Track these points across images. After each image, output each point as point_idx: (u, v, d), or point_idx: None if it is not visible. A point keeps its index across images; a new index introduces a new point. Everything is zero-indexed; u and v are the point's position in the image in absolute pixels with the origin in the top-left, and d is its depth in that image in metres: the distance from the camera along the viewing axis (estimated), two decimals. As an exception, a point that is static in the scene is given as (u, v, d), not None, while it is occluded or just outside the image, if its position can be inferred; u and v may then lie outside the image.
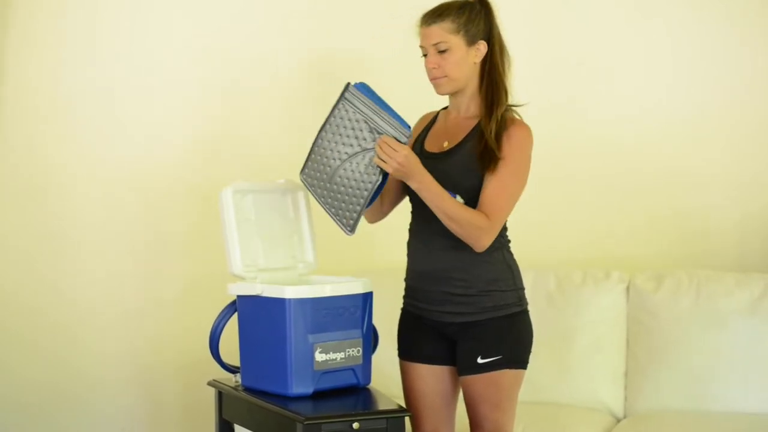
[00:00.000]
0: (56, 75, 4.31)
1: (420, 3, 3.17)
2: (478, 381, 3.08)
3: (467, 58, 3.07)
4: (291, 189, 3.30)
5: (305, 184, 3.12)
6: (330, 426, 2.87)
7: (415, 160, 2.97)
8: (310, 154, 3.09)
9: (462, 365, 3.11)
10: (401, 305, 3.26)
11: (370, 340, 3.15)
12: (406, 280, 3.22)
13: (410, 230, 3.21)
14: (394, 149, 2.96)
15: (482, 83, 3.11)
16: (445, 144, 3.13)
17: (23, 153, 4.31)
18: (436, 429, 3.18)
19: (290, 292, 2.99)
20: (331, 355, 3.05)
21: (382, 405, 3.02)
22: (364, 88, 3.07)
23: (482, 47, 3.08)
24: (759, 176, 4.09)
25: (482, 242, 3.02)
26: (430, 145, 3.16)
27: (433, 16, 3.08)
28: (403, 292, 3.24)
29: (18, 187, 4.31)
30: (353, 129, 3.04)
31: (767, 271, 3.94)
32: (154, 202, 4.29)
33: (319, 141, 3.07)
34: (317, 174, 3.08)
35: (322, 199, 3.09)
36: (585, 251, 4.13)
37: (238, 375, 3.22)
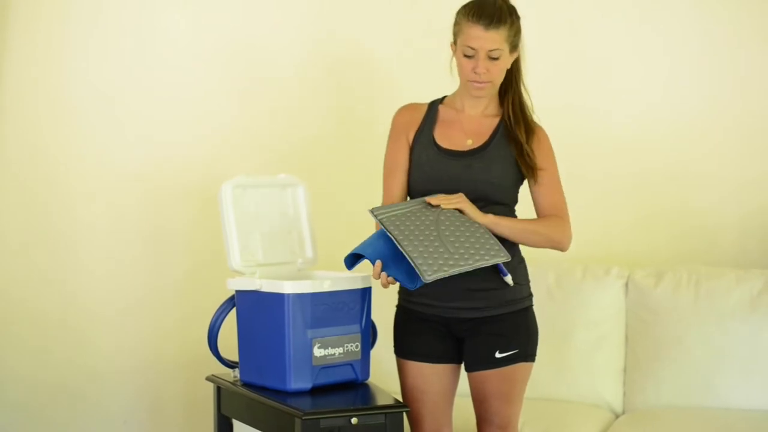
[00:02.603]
0: (57, 73, 4.31)
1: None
2: (493, 376, 3.07)
3: (508, 65, 3.06)
4: (290, 184, 3.30)
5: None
6: (328, 421, 2.87)
7: (471, 206, 2.99)
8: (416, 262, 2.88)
9: (476, 360, 3.10)
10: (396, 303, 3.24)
11: (369, 335, 3.15)
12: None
13: None
14: (448, 198, 2.97)
15: (508, 86, 3.11)
16: (469, 142, 3.10)
17: (25, 153, 4.32)
18: (438, 429, 3.16)
19: (289, 287, 2.99)
20: (330, 351, 3.04)
21: (381, 400, 3.01)
22: (377, 210, 3.01)
23: (516, 54, 3.08)
24: (759, 174, 4.09)
25: (569, 240, 3.10)
26: (445, 142, 3.11)
27: (493, 21, 2.98)
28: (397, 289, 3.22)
29: (20, 188, 4.31)
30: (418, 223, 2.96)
31: (767, 268, 3.93)
32: (154, 198, 4.29)
33: (411, 251, 2.89)
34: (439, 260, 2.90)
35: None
36: (585, 247, 4.10)
37: (237, 370, 3.21)
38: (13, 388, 4.30)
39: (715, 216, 4.11)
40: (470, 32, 3.00)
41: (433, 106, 3.18)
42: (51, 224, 4.31)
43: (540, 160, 3.09)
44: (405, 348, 3.17)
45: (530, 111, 3.14)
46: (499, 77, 3.05)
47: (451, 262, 2.86)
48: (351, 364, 3.09)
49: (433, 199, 2.97)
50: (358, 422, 2.88)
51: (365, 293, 3.11)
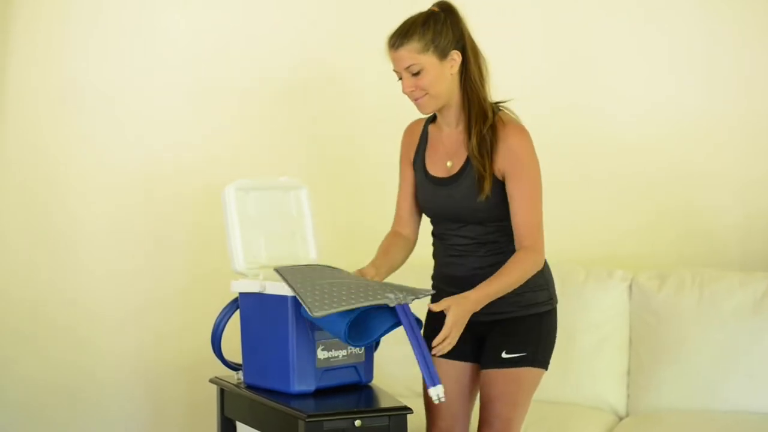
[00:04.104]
0: (58, 74, 4.30)
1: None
2: (499, 376, 3.08)
3: (443, 72, 2.99)
4: (293, 186, 3.30)
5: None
6: (332, 423, 2.85)
7: (461, 310, 2.89)
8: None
9: (485, 359, 3.11)
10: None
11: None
12: (433, 278, 3.22)
13: (433, 234, 3.20)
14: (447, 336, 2.87)
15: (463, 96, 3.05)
16: (449, 164, 3.09)
17: (25, 153, 4.31)
18: (450, 427, 3.17)
19: (292, 290, 2.98)
20: (334, 353, 3.04)
21: (385, 402, 3.00)
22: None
23: (456, 57, 3.00)
24: (763, 176, 4.07)
25: (539, 266, 3.02)
26: (434, 168, 3.11)
27: (398, 38, 2.97)
28: None
29: (20, 188, 4.31)
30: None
31: (770, 270, 3.94)
32: (157, 201, 4.28)
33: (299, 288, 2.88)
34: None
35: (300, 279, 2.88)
36: (588, 250, 4.12)
37: (240, 372, 3.21)
38: (15, 389, 4.29)
39: (719, 219, 4.10)
40: (389, 58, 3.02)
41: (426, 126, 3.19)
42: (52, 225, 4.31)
43: (514, 167, 3.00)
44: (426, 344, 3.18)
45: (487, 120, 3.01)
46: (434, 87, 2.99)
47: (339, 301, 2.83)
48: (354, 367, 3.08)
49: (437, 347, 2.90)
50: (361, 424, 2.87)
51: (369, 295, 3.10)
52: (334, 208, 4.14)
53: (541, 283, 3.13)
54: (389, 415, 2.91)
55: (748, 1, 4.11)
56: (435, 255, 3.21)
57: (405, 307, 2.86)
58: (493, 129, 3.02)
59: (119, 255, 4.29)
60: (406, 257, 3.24)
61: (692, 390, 3.71)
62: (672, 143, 4.14)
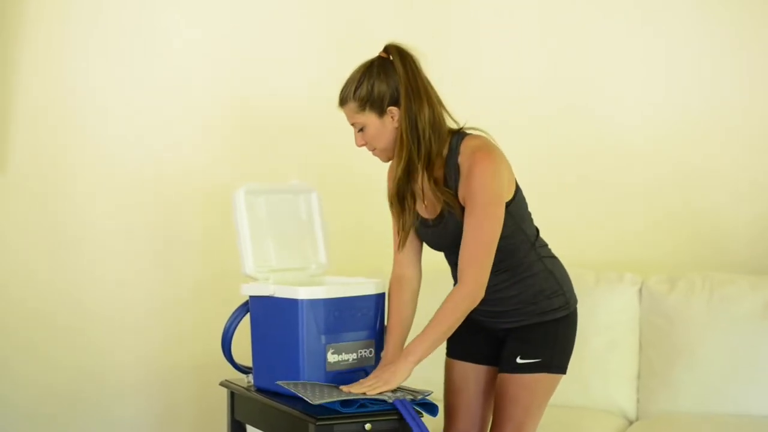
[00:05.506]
0: (58, 75, 4.30)
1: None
2: (513, 380, 3.08)
3: (384, 127, 2.96)
4: (303, 190, 3.30)
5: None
6: (342, 427, 2.85)
7: (393, 371, 2.91)
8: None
9: (502, 363, 3.12)
10: None
11: (383, 341, 3.13)
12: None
13: (447, 260, 3.19)
14: (374, 385, 2.90)
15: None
16: (425, 204, 3.07)
17: (32, 157, 4.30)
18: (468, 430, 3.19)
19: (303, 293, 2.98)
20: (344, 356, 3.04)
21: (395, 406, 3.01)
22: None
23: (394, 113, 2.94)
24: (764, 175, 4.07)
25: (477, 298, 2.94)
26: (421, 209, 3.09)
27: (341, 96, 2.99)
28: None
29: (20, 188, 4.30)
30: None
31: (779, 271, 3.94)
32: (166, 205, 4.28)
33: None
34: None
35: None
36: (598, 253, 4.12)
37: (251, 375, 3.21)
38: (18, 392, 4.29)
39: (728, 221, 4.10)
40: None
41: None
42: (53, 225, 4.31)
43: (468, 199, 2.95)
44: (451, 347, 3.23)
45: (420, 167, 2.96)
46: (378, 142, 2.98)
47: (335, 393, 2.87)
48: (365, 370, 3.07)
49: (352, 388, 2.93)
50: (371, 428, 2.86)
51: (379, 299, 3.11)
52: (344, 212, 4.14)
53: (556, 289, 3.12)
54: (399, 419, 2.89)
55: (745, 3, 4.11)
56: (454, 276, 3.19)
57: (404, 401, 2.86)
58: (454, 158, 2.98)
59: (130, 259, 4.29)
60: (416, 306, 3.18)
61: (703, 393, 3.72)
62: (679, 146, 4.14)
